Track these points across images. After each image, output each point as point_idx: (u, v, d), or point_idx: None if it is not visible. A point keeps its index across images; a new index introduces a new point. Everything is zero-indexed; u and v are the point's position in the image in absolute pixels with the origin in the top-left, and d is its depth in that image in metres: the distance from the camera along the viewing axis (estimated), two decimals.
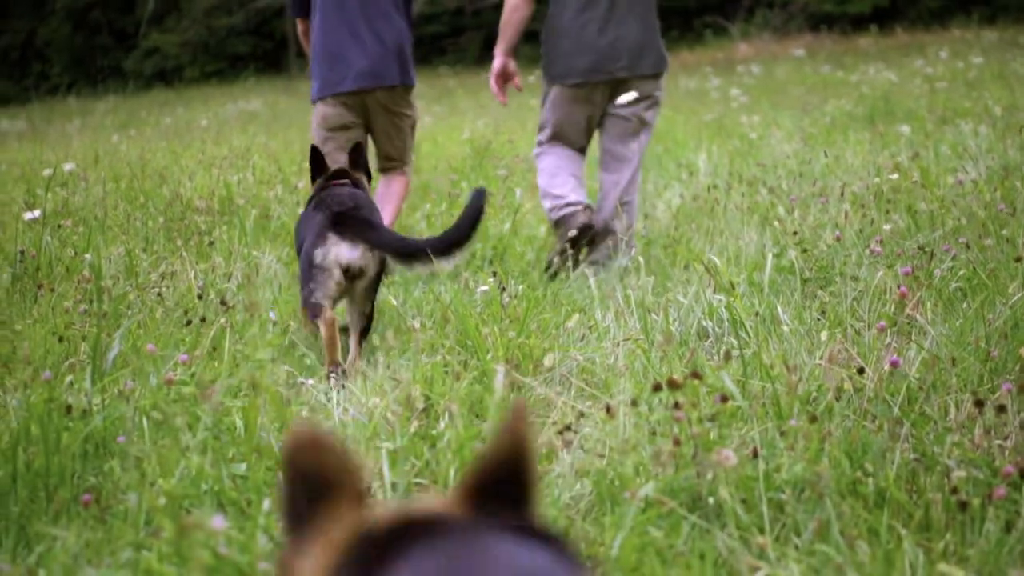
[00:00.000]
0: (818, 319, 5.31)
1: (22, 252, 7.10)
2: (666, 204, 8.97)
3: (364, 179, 6.04)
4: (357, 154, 6.14)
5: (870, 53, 26.14)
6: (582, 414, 4.02)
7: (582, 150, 7.65)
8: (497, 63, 7.55)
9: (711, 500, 3.45)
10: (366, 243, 5.37)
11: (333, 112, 7.45)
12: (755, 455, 3.49)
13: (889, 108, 14.33)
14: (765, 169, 9.81)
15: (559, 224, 7.22)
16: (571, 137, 7.54)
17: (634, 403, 3.82)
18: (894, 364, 3.99)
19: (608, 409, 3.82)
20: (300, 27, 7.76)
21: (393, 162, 7.71)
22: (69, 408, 4.01)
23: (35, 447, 3.85)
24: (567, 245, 7.04)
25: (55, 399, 3.95)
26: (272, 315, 5.95)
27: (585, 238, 7.11)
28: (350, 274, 5.36)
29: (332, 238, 5.38)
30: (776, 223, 7.18)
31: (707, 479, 3.47)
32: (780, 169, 9.71)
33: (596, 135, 7.78)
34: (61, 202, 9.45)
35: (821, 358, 4.40)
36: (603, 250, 7.25)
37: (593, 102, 7.42)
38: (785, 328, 5.01)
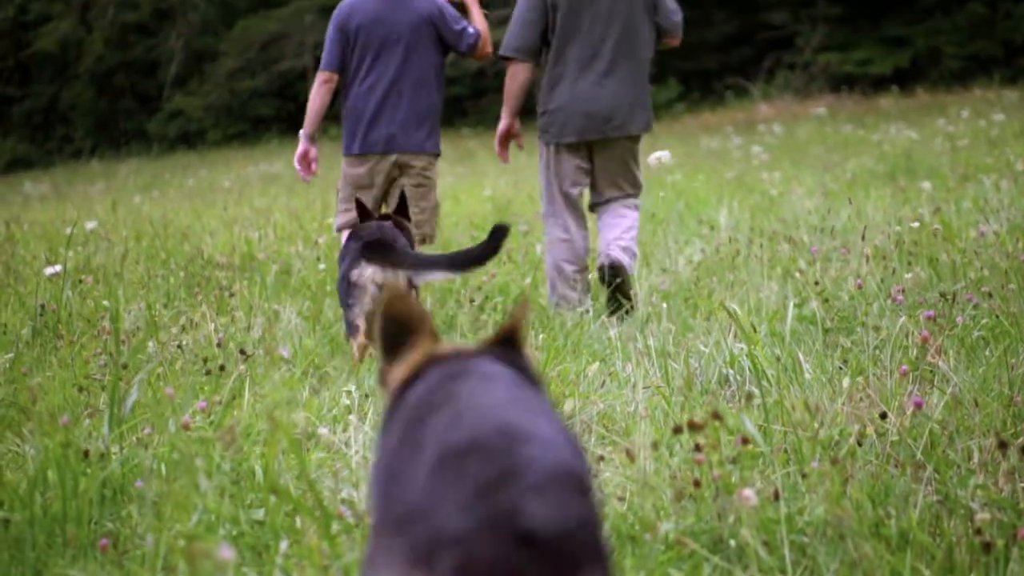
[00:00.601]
0: (840, 368, 5.29)
1: (42, 306, 7.11)
2: (687, 259, 8.94)
3: (405, 220, 6.62)
4: (401, 200, 6.85)
5: (891, 113, 26.15)
6: (602, 458, 3.99)
7: (575, 204, 8.03)
8: (503, 125, 8.03)
9: (732, 543, 3.42)
10: (390, 264, 6.01)
11: (360, 172, 7.84)
12: (776, 497, 3.46)
13: (911, 166, 14.33)
14: (786, 224, 9.80)
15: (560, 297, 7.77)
16: (569, 185, 7.97)
17: (655, 446, 3.79)
18: (918, 405, 3.96)
19: (628, 453, 3.79)
20: (322, 77, 7.92)
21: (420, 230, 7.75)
22: (86, 453, 3.99)
23: (52, 491, 3.84)
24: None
25: (72, 444, 3.94)
26: (286, 353, 5.97)
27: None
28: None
29: (363, 262, 6.11)
30: (797, 274, 7.16)
31: (728, 521, 3.45)
32: (801, 224, 9.69)
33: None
34: (83, 260, 9.47)
35: (843, 404, 4.38)
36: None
37: (585, 158, 7.95)
38: (807, 375, 4.98)
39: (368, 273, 6.08)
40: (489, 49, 7.99)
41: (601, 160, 7.96)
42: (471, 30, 7.80)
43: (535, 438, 2.06)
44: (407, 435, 2.27)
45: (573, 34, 7.77)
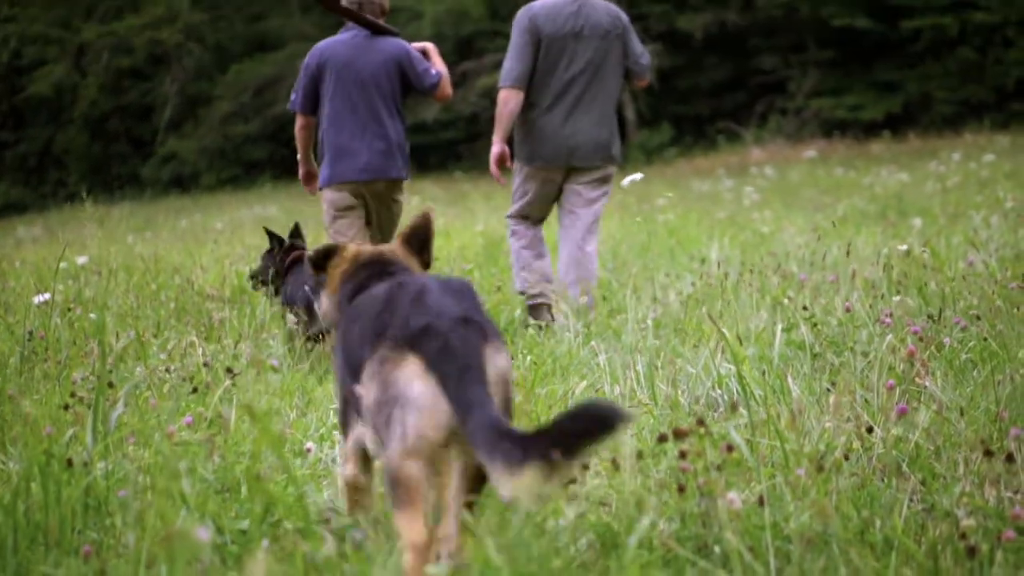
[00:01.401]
0: (828, 389, 5.29)
1: (30, 333, 7.10)
2: (677, 292, 8.94)
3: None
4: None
5: (883, 157, 26.25)
6: (586, 467, 3.97)
7: (542, 220, 9.05)
8: (495, 149, 8.80)
9: (717, 549, 3.42)
10: None
11: (340, 196, 8.53)
12: (761, 503, 3.45)
13: (901, 206, 14.39)
14: (777, 258, 9.81)
15: (531, 310, 8.69)
16: (536, 208, 8.97)
17: (640, 455, 3.79)
18: (902, 412, 3.96)
19: (614, 462, 3.78)
20: (301, 121, 8.68)
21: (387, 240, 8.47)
22: (70, 462, 3.98)
23: (35, 500, 3.83)
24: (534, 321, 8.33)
25: (55, 454, 3.93)
26: (275, 362, 5.99)
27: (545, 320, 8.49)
28: None
29: None
30: (786, 300, 7.16)
31: (714, 529, 3.44)
32: (792, 258, 9.71)
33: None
34: (73, 292, 9.46)
35: (829, 420, 4.38)
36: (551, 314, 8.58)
37: (553, 181, 8.87)
38: (794, 393, 4.98)
39: None
40: (449, 91, 8.71)
41: (568, 183, 8.88)
42: (434, 72, 8.52)
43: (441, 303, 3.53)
44: (364, 322, 3.65)
45: (551, 70, 8.70)
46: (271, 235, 8.87)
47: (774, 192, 19.80)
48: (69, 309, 8.23)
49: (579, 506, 3.75)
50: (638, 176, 8.47)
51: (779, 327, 6.23)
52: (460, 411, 3.18)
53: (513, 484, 2.95)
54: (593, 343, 6.65)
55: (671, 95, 42.78)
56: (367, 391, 3.45)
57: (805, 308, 6.67)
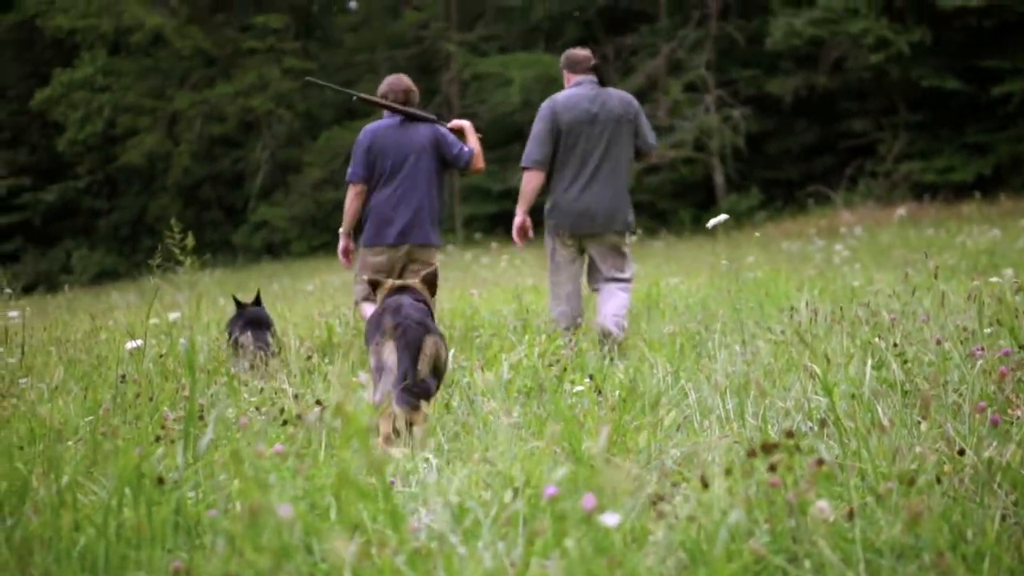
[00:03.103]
0: (919, 422, 5.24)
1: (123, 376, 7.18)
2: (766, 341, 8.90)
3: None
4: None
5: (974, 218, 26.02)
6: (674, 484, 3.97)
7: (576, 275, 10.36)
8: (518, 220, 10.30)
9: (808, 563, 3.39)
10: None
11: (376, 258, 9.92)
12: (851, 516, 3.43)
13: (993, 261, 14.26)
14: (868, 308, 9.75)
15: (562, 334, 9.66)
16: (566, 265, 10.30)
17: (728, 472, 3.77)
18: (995, 422, 3.93)
19: (703, 479, 3.77)
20: (357, 189, 9.98)
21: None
22: (161, 479, 4.02)
23: (126, 515, 3.87)
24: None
25: (146, 474, 3.97)
26: (363, 377, 6.05)
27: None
28: None
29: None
30: (877, 339, 7.11)
31: (804, 544, 3.42)
32: (883, 309, 9.65)
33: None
34: (165, 345, 9.57)
35: (920, 446, 4.34)
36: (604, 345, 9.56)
37: (576, 246, 10.27)
38: (885, 421, 4.94)
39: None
40: (481, 164, 10.01)
41: (592, 249, 10.27)
42: (466, 149, 9.89)
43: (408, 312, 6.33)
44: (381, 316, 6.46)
45: (570, 151, 10.09)
46: (237, 302, 10.34)
47: (864, 250, 19.69)
48: (161, 356, 8.33)
49: (669, 524, 3.74)
50: (723, 217, 8.63)
51: (869, 364, 6.20)
52: (400, 373, 6.16)
53: (400, 414, 5.98)
54: (683, 382, 6.65)
55: (760, 159, 42.72)
56: (372, 357, 6.45)
57: (896, 345, 6.63)
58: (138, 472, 3.94)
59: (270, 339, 9.61)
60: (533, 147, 10.10)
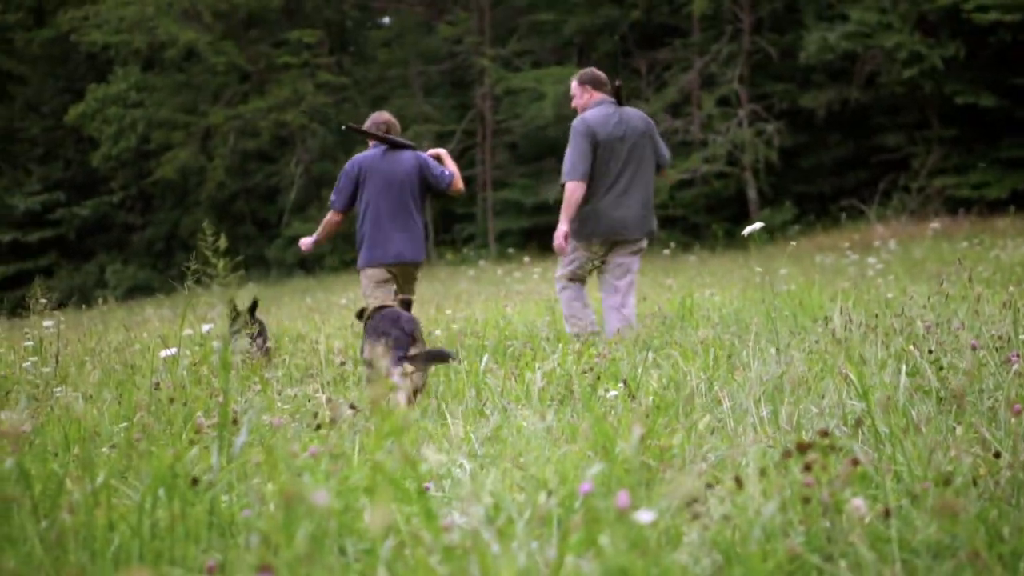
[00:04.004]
0: (954, 427, 5.22)
1: (157, 384, 7.20)
2: (799, 350, 8.88)
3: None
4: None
5: (1009, 232, 25.91)
6: (710, 485, 3.95)
7: (585, 280, 11.32)
8: (562, 228, 10.92)
9: (843, 563, 3.38)
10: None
11: (378, 273, 10.68)
12: (887, 515, 3.42)
13: None
14: (901, 319, 9.71)
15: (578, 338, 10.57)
16: (582, 273, 11.21)
17: (763, 472, 3.76)
18: (1017, 412, 3.90)
19: (737, 480, 3.76)
20: (336, 218, 10.94)
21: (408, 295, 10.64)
22: (195, 480, 4.03)
23: (162, 511, 3.87)
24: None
25: (180, 474, 3.97)
26: (397, 379, 6.07)
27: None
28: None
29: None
30: (912, 348, 7.09)
31: (839, 544, 3.40)
32: (917, 320, 9.61)
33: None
34: (199, 356, 9.60)
35: (955, 450, 4.32)
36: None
37: (599, 253, 11.05)
38: (921, 427, 4.92)
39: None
40: (461, 186, 10.95)
41: (618, 253, 11.17)
42: (447, 172, 10.77)
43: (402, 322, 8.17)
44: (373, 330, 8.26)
45: (603, 167, 10.95)
46: (233, 307, 10.88)
47: (898, 264, 19.64)
48: (194, 365, 8.35)
49: (703, 524, 3.73)
50: (759, 225, 8.71)
51: (904, 371, 6.18)
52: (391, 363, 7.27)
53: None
54: (716, 389, 6.64)
55: (793, 173, 42.64)
56: (368, 351, 7.74)
57: (930, 352, 6.60)
58: (172, 472, 3.95)
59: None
60: (577, 161, 10.88)
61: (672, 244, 33.75)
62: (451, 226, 50.71)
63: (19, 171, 58.04)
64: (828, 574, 3.30)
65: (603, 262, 11.13)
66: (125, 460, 5.23)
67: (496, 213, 46.87)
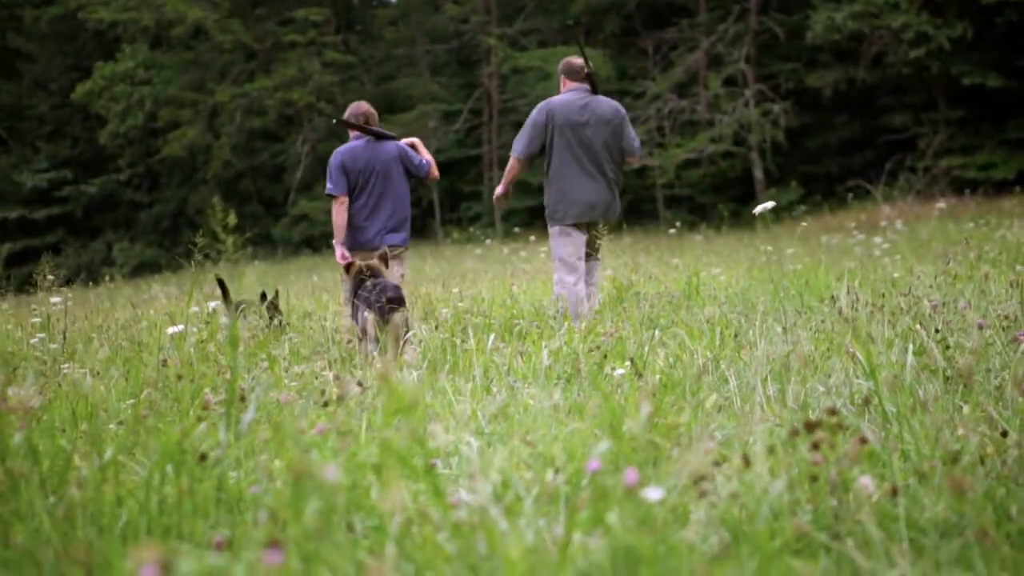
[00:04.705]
0: (960, 406, 5.22)
1: (164, 361, 7.21)
2: (806, 329, 8.87)
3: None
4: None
5: (1015, 212, 25.87)
6: (717, 463, 3.95)
7: (579, 258, 11.40)
8: (499, 190, 11.87)
9: (851, 541, 3.38)
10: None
11: (360, 258, 10.81)
12: (895, 493, 3.42)
13: None
14: (908, 298, 9.71)
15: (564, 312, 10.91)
16: (573, 253, 11.34)
17: (771, 451, 3.76)
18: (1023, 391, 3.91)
19: (745, 458, 3.76)
20: (341, 202, 11.19)
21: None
22: (203, 456, 4.03)
23: (170, 487, 3.88)
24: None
25: (187, 450, 3.98)
26: (410, 357, 6.05)
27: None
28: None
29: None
30: (919, 327, 7.08)
31: (847, 522, 3.40)
32: (923, 299, 9.60)
33: None
34: (206, 333, 9.61)
35: (962, 429, 4.32)
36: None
37: (579, 234, 11.35)
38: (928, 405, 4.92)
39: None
40: (436, 174, 11.66)
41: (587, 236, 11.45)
42: (424, 162, 11.44)
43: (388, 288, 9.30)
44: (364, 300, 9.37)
45: (565, 151, 11.28)
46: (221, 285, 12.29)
47: (904, 243, 19.63)
48: (201, 341, 8.36)
49: (711, 502, 3.73)
50: (770, 204, 8.70)
51: (911, 350, 6.18)
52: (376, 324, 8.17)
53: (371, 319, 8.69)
54: (723, 367, 6.64)
55: (799, 154, 42.63)
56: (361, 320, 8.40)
57: (937, 331, 6.61)
58: (180, 448, 3.95)
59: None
60: (525, 141, 11.43)
61: (678, 223, 33.74)
62: (457, 205, 50.77)
63: (27, 148, 58.12)
64: (835, 552, 3.30)
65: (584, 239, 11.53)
66: (133, 436, 5.23)
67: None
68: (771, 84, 42.86)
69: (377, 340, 8.78)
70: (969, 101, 38.21)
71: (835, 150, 42.72)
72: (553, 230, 11.52)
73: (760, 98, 42.32)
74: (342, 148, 11.32)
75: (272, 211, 53.44)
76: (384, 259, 10.17)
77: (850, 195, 36.08)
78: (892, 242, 20.06)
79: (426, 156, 11.58)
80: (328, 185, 11.22)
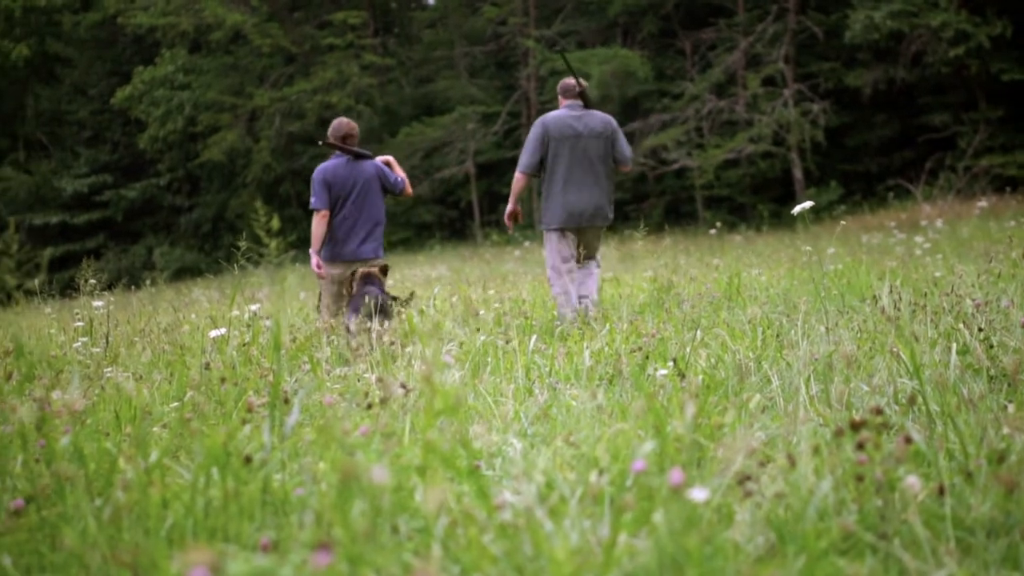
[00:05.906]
0: (1005, 405, 5.20)
1: (207, 364, 7.23)
2: (848, 329, 8.85)
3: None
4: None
5: None
6: (762, 463, 3.95)
7: (573, 260, 11.92)
8: (509, 208, 12.29)
9: (897, 541, 3.37)
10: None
11: (337, 270, 11.74)
12: (941, 492, 3.41)
13: None
14: (950, 298, 9.67)
15: (562, 317, 11.46)
16: (566, 256, 11.89)
17: (815, 450, 3.75)
18: None
19: (790, 457, 3.75)
20: (322, 215, 11.72)
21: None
22: (248, 458, 4.04)
23: (215, 489, 3.89)
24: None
25: (233, 452, 3.99)
26: (449, 359, 6.05)
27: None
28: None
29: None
30: (961, 326, 7.05)
31: (893, 523, 3.39)
32: (967, 299, 9.56)
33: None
34: (247, 337, 9.64)
35: (1007, 428, 4.30)
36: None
37: (570, 237, 11.95)
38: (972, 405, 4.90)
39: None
40: (410, 190, 12.24)
41: (582, 240, 11.97)
42: (399, 179, 12.07)
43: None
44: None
45: (559, 162, 11.95)
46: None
47: (945, 242, 19.56)
48: (244, 344, 8.39)
49: (753, 501, 3.72)
50: (808, 204, 8.68)
51: (954, 349, 6.15)
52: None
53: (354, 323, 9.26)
54: (766, 367, 6.63)
55: (839, 153, 42.49)
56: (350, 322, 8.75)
57: (980, 330, 6.58)
58: (225, 451, 3.96)
59: None
60: (525, 156, 12.09)
61: (718, 224, 33.64)
62: (496, 207, 50.76)
63: (67, 154, 58.42)
64: (882, 552, 3.29)
65: (576, 247, 12.05)
66: (177, 439, 5.27)
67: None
68: (810, 84, 42.73)
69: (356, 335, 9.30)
70: (1009, 99, 38.03)
71: (875, 149, 42.57)
72: (545, 235, 12.21)
73: (799, 98, 42.20)
74: (325, 165, 11.95)
75: (311, 214, 53.49)
76: (384, 271, 11.22)
77: (890, 194, 35.99)
78: (933, 241, 19.99)
79: (400, 174, 12.27)
80: (312, 199, 11.82)
